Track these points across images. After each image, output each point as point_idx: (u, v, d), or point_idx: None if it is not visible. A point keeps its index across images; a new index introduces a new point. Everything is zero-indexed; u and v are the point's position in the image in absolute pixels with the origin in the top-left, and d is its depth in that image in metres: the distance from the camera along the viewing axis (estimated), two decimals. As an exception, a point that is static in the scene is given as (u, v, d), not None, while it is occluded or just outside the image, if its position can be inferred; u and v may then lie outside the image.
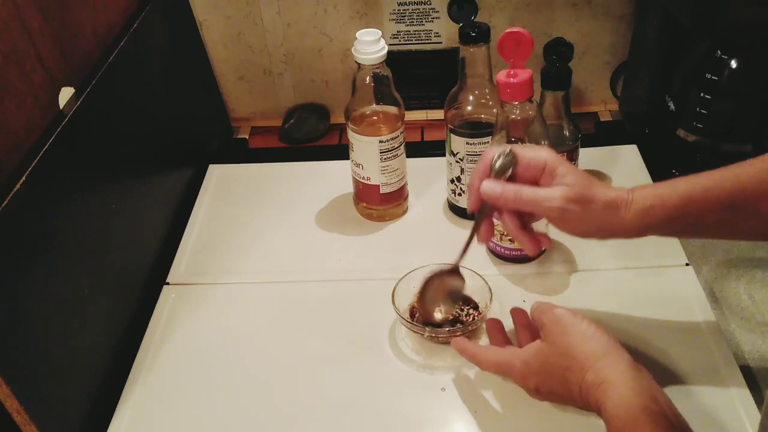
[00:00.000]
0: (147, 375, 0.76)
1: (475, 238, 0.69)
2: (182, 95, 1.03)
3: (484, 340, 0.75)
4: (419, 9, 1.09)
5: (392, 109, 0.87)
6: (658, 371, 0.72)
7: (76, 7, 0.80)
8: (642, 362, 0.73)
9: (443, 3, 1.08)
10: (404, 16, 1.10)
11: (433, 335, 0.75)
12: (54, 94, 0.74)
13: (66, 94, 0.75)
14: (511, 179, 0.65)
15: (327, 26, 1.11)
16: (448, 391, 0.72)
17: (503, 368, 0.68)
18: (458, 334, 0.74)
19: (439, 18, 1.10)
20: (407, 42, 1.12)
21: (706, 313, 0.78)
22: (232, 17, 1.10)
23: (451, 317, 0.77)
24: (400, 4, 1.09)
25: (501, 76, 0.73)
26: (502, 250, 0.85)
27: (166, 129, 0.98)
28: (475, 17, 0.84)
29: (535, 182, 0.65)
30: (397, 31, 1.11)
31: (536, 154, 0.65)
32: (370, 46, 0.82)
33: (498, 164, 0.65)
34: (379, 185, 0.90)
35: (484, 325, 0.75)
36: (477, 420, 0.69)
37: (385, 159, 0.88)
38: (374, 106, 0.87)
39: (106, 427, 0.71)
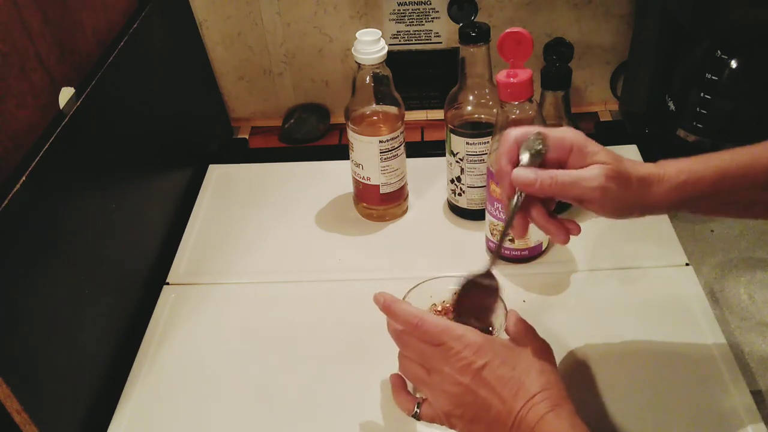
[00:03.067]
0: (147, 375, 0.76)
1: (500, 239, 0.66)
2: (182, 95, 1.03)
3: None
4: (419, 9, 1.09)
5: (392, 109, 0.87)
6: (658, 371, 0.72)
7: (76, 7, 0.80)
8: (642, 362, 0.73)
9: (443, 3, 1.07)
10: (404, 16, 1.10)
11: None
12: (54, 94, 0.74)
13: (66, 94, 0.75)
14: (540, 164, 0.62)
15: (327, 26, 1.11)
16: (448, 391, 0.72)
17: (416, 324, 0.61)
18: None
19: (439, 18, 1.10)
20: (407, 42, 1.12)
21: (706, 313, 0.78)
22: (232, 17, 1.10)
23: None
24: (400, 4, 1.09)
25: (501, 76, 0.73)
26: (503, 250, 0.85)
27: (166, 129, 0.98)
28: (475, 17, 0.84)
29: (561, 165, 0.62)
30: (397, 31, 1.11)
31: (560, 134, 0.62)
32: (370, 46, 0.82)
33: (528, 150, 0.61)
34: (379, 185, 0.90)
35: None
36: (477, 420, 0.69)
37: (385, 159, 0.88)
38: (374, 106, 0.87)
39: (106, 427, 0.71)
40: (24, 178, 0.63)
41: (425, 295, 0.74)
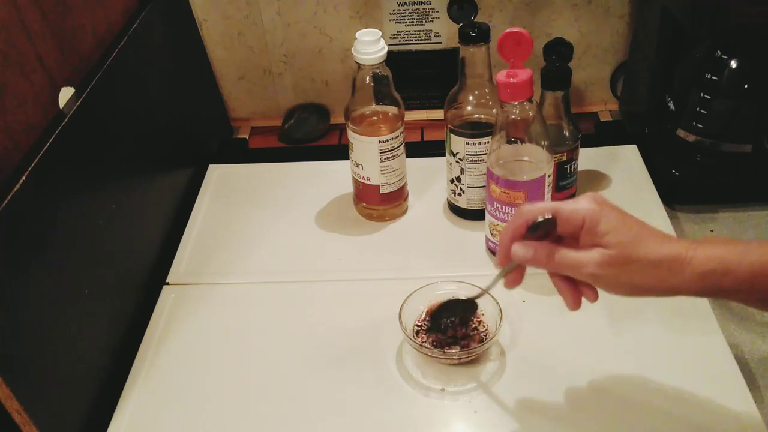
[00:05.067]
0: (147, 375, 0.76)
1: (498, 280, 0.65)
2: (182, 95, 1.03)
3: (492, 362, 0.74)
4: (419, 9, 1.09)
5: (392, 109, 0.87)
6: (658, 371, 0.72)
7: (76, 7, 0.80)
8: (641, 362, 0.73)
9: (443, 3, 1.08)
10: (404, 16, 1.10)
11: (440, 357, 0.73)
12: (54, 94, 0.74)
13: (66, 94, 0.75)
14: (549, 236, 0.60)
15: (327, 26, 1.11)
16: (448, 391, 0.72)
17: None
18: (465, 357, 0.73)
19: (439, 18, 1.10)
20: (407, 42, 1.12)
21: (706, 314, 0.78)
22: (232, 17, 1.10)
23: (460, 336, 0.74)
24: (400, 4, 1.09)
25: (501, 76, 0.73)
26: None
27: (166, 129, 0.98)
28: (475, 17, 0.84)
29: (575, 237, 0.59)
30: (397, 31, 1.11)
31: (575, 208, 0.58)
32: (370, 46, 0.82)
33: (534, 227, 0.59)
34: (379, 185, 0.90)
35: (490, 348, 0.75)
36: (477, 420, 0.69)
37: (385, 159, 0.88)
38: (374, 106, 0.87)
39: (106, 427, 0.71)
40: (24, 178, 0.63)
41: (423, 299, 0.78)
